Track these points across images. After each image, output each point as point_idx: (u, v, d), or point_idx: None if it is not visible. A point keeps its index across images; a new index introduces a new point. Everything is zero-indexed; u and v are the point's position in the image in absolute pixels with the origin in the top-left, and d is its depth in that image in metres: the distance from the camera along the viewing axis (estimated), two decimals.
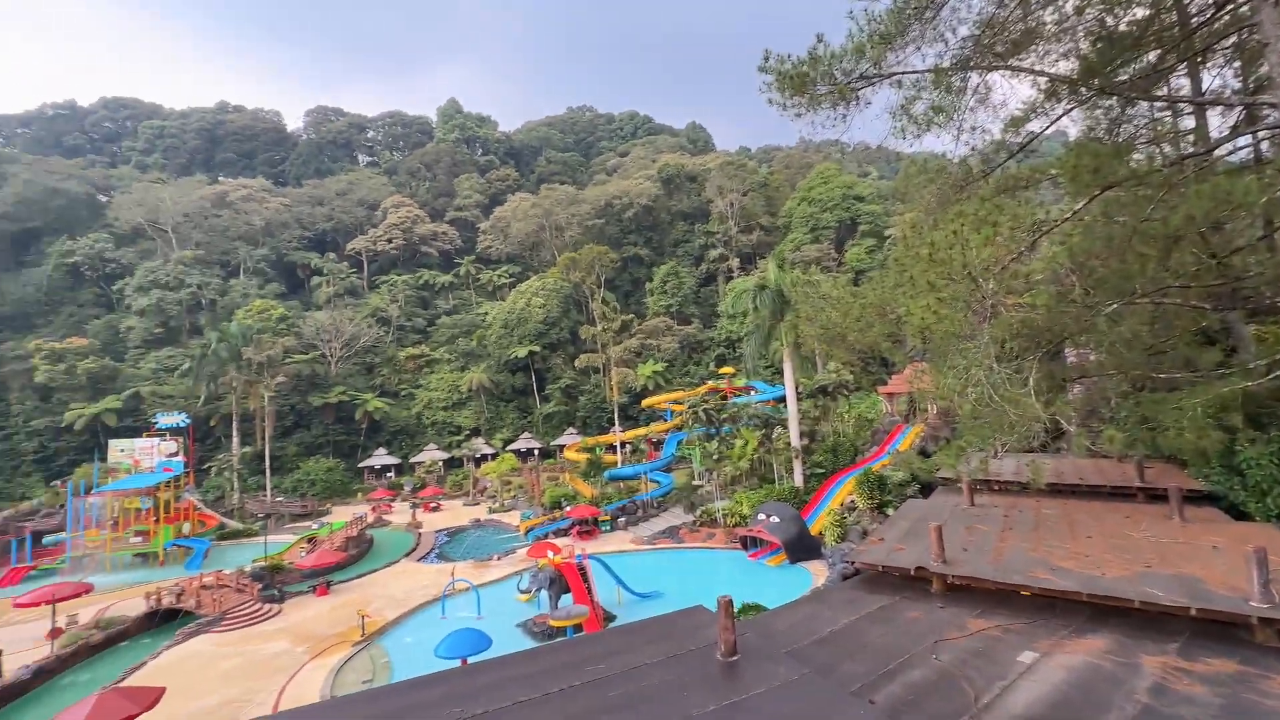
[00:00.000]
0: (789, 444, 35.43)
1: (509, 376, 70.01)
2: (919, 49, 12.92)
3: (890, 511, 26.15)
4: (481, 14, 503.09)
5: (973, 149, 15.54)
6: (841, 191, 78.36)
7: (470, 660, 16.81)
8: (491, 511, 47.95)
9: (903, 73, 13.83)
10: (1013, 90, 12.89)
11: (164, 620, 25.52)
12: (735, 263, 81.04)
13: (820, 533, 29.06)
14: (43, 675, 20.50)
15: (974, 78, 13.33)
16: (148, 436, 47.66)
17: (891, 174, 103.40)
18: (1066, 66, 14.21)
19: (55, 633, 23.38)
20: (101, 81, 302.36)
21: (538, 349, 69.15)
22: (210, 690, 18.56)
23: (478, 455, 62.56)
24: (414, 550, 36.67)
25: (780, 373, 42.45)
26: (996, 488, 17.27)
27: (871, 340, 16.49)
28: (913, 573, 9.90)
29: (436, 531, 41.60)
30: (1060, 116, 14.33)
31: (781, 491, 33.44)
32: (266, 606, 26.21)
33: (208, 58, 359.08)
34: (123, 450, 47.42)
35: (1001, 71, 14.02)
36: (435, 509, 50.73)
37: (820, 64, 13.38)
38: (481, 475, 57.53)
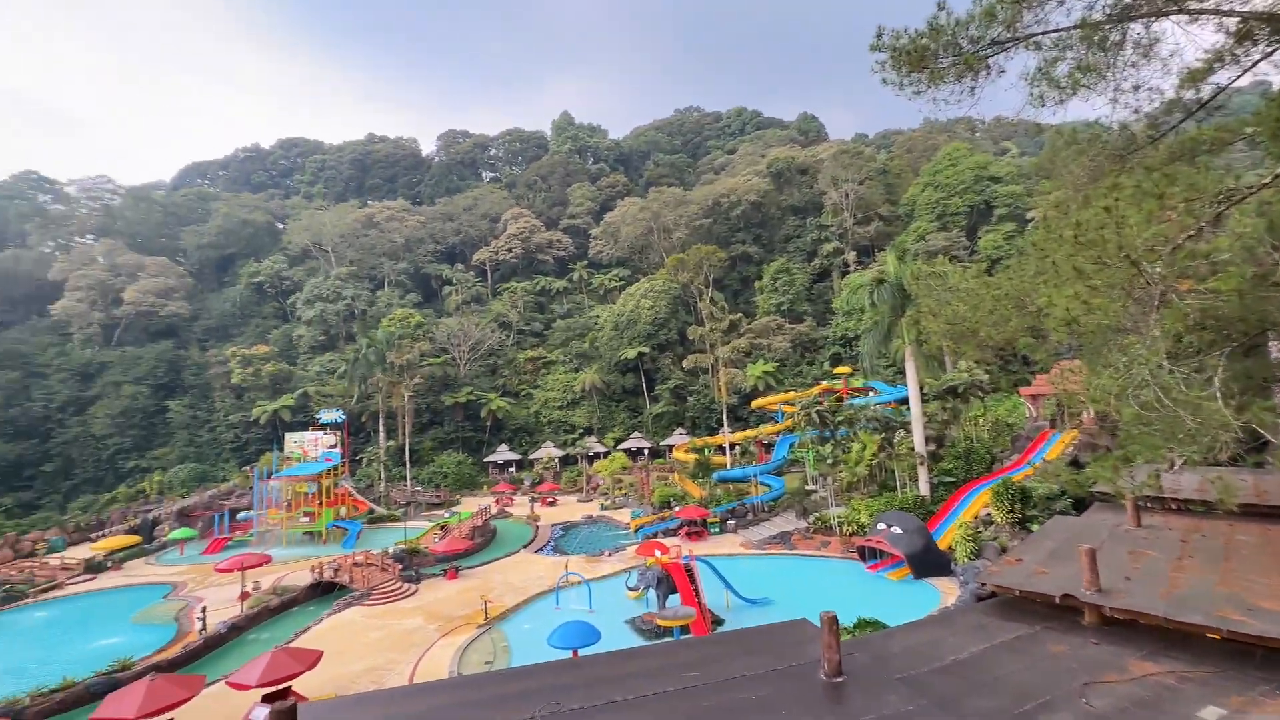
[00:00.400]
0: (912, 449, 32.82)
1: (619, 377, 71.77)
2: (1062, 3, 11.31)
3: (1035, 528, 23.28)
4: (591, 27, 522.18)
5: (1136, 112, 13.32)
6: (973, 173, 71.27)
7: (580, 652, 17.39)
8: (603, 508, 49.39)
9: (1043, 33, 12.20)
10: (1189, 37, 10.83)
11: (324, 591, 29.16)
12: (851, 256, 76.72)
13: (950, 547, 26.59)
14: (235, 631, 24.24)
15: (1136, 28, 11.40)
16: (313, 430, 54.78)
17: (1035, 149, 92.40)
18: (1265, 0, 11.71)
19: (244, 596, 27.61)
20: (279, 125, 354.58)
21: (647, 350, 70.19)
22: (358, 657, 20.87)
23: (590, 453, 64.79)
24: (532, 542, 38.75)
25: (902, 372, 39.52)
26: (1173, 507, 14.69)
27: (1007, 336, 14.65)
28: (1057, 600, 8.64)
29: (552, 525, 43.64)
30: (1257, 62, 11.82)
31: (904, 500, 31.06)
32: (405, 586, 29.00)
33: (360, 97, 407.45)
34: (295, 442, 54.90)
35: (1174, 17, 11.88)
36: (551, 504, 53.26)
37: (942, 34, 12.18)
38: (594, 473, 59.50)
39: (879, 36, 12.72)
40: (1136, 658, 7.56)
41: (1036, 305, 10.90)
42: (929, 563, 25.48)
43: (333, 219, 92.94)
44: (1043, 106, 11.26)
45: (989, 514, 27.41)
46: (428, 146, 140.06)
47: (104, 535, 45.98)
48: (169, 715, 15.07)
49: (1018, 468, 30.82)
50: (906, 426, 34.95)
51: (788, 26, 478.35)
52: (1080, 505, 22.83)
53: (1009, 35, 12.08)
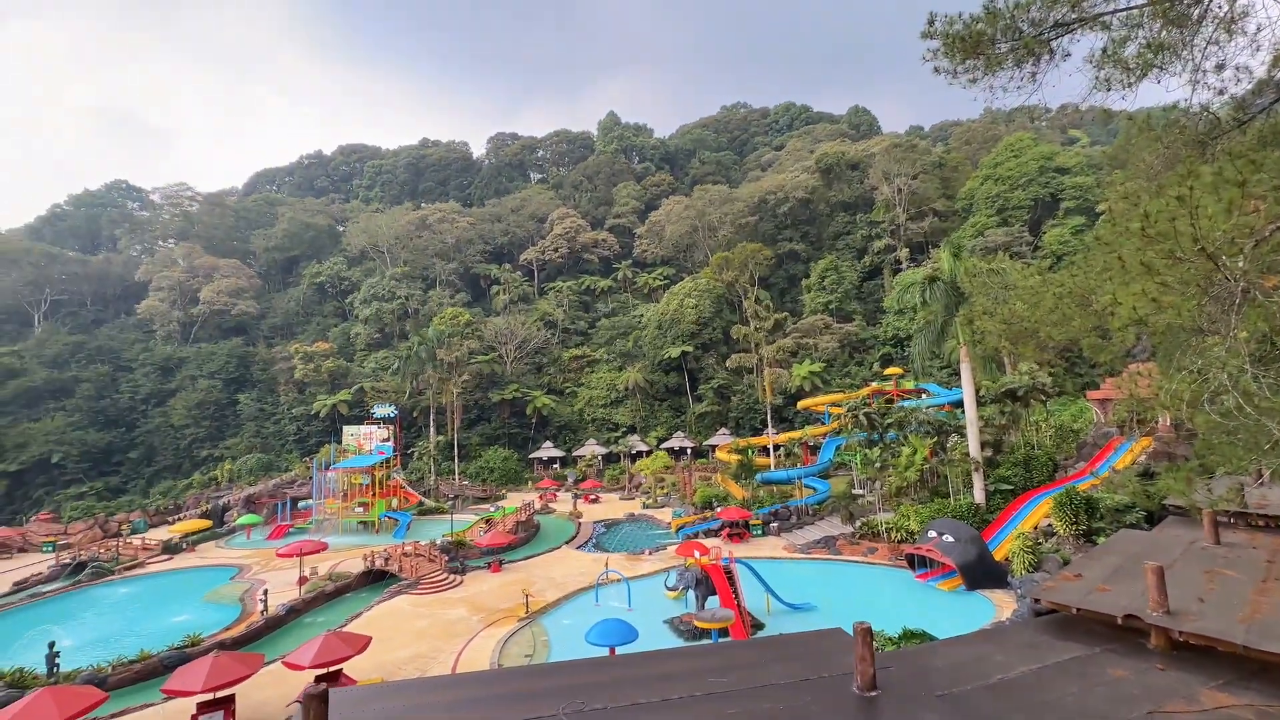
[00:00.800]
0: (966, 454, 31.39)
1: (663, 376, 71.69)
2: None
3: (1102, 541, 21.84)
4: (639, 27, 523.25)
5: (1220, 93, 12.24)
6: (1038, 164, 67.60)
7: (617, 650, 17.44)
8: (645, 507, 49.46)
9: (1112, 11, 11.37)
10: None
11: (375, 579, 30.34)
12: (904, 253, 74.06)
13: (1007, 558, 25.30)
14: (293, 613, 25.52)
15: (1218, 0, 10.45)
16: (367, 424, 57.17)
17: (1108, 138, 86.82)
18: None
19: (302, 580, 29.03)
20: (340, 133, 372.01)
21: (690, 349, 69.84)
22: (405, 644, 21.60)
23: (633, 451, 64.99)
24: (574, 538, 39.19)
25: (957, 374, 37.88)
26: (1258, 523, 13.47)
27: (1070, 336, 13.74)
28: (1119, 621, 8.03)
29: (594, 522, 44.00)
30: None
31: (957, 507, 29.75)
32: (451, 576, 29.84)
33: (416, 103, 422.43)
34: (352, 435, 57.51)
35: None
36: (594, 500, 53.71)
37: (1000, 18, 11.54)
38: (636, 471, 59.65)
39: (930, 23, 12.16)
40: (1209, 687, 6.94)
41: (1101, 304, 10.17)
42: (983, 574, 24.32)
43: (388, 221, 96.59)
44: (1109, 91, 10.48)
45: (1050, 525, 25.95)
46: (478, 149, 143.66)
47: (180, 519, 49.29)
48: (231, 690, 15.99)
49: (1083, 476, 29.07)
50: (961, 430, 33.47)
51: (839, 18, 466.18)
52: (1154, 519, 21.31)
53: (1074, 16, 11.33)
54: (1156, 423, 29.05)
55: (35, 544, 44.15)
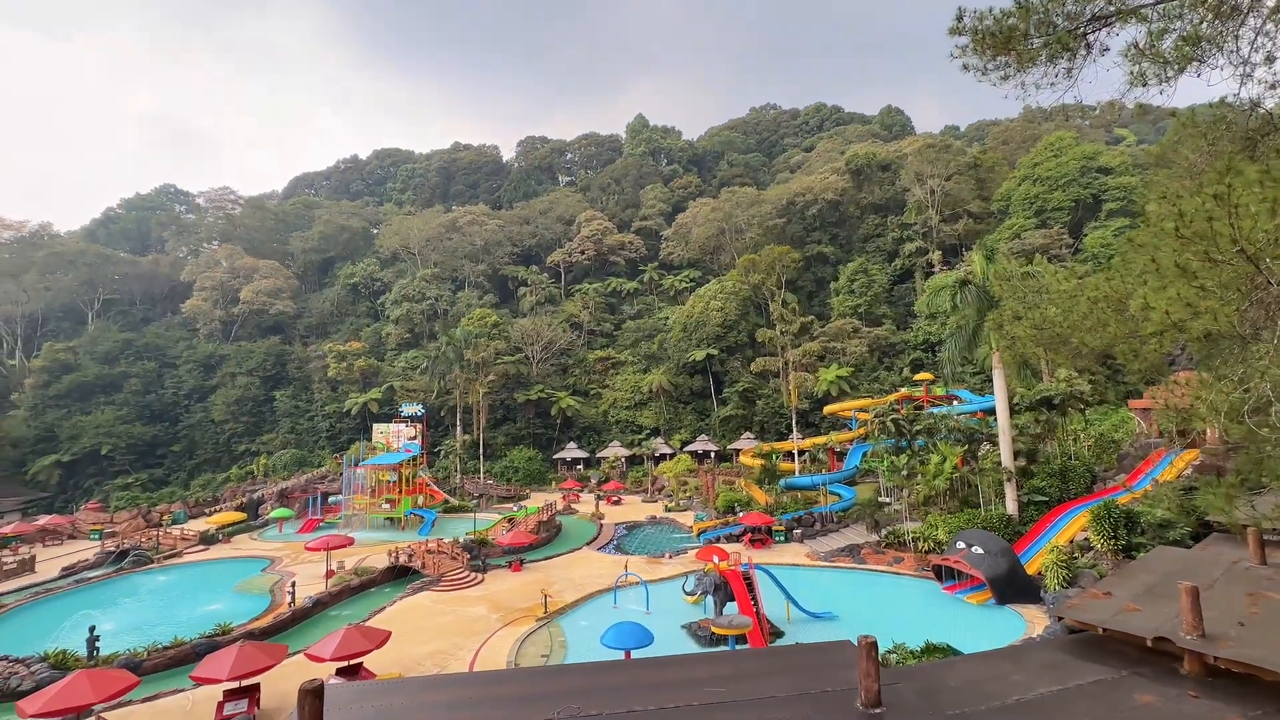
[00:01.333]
0: (999, 463, 30.39)
1: (687, 379, 71.38)
2: None
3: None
4: (668, 29, 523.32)
5: (1273, 88, 11.59)
6: (1079, 164, 65.22)
7: (633, 653, 17.36)
8: (667, 510, 49.24)
9: (1154, 3, 10.87)
10: None
11: (399, 575, 30.88)
12: (936, 256, 72.21)
13: (1040, 572, 24.39)
14: (319, 606, 26.16)
15: None
16: (395, 422, 58.32)
17: (1156, 137, 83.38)
18: None
19: (329, 574, 29.73)
20: (376, 138, 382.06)
21: (715, 352, 69.37)
22: (425, 640, 21.91)
23: (656, 454, 64.81)
24: (595, 539, 39.24)
25: (991, 380, 36.75)
26: None
27: (1106, 343, 13.16)
28: (1149, 643, 7.60)
29: (616, 524, 43.99)
30: None
31: (988, 518, 28.82)
32: (472, 574, 30.17)
33: (449, 108, 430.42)
34: (381, 432, 58.75)
35: None
36: (616, 502, 53.72)
37: (1033, 12, 11.17)
38: (659, 474, 59.46)
39: (959, 19, 11.84)
40: (1247, 718, 6.51)
41: (1134, 308, 9.69)
42: (1014, 588, 23.50)
43: (420, 224, 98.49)
44: (1145, 86, 10.00)
45: (1087, 539, 24.92)
46: (508, 153, 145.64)
47: (217, 511, 51.03)
48: (255, 680, 16.44)
49: (1119, 491, 27.86)
50: (993, 439, 32.44)
51: (872, 17, 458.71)
52: (1199, 537, 20.26)
53: (1112, 9, 10.86)
54: (1203, 434, 27.66)
55: (84, 531, 46.27)
